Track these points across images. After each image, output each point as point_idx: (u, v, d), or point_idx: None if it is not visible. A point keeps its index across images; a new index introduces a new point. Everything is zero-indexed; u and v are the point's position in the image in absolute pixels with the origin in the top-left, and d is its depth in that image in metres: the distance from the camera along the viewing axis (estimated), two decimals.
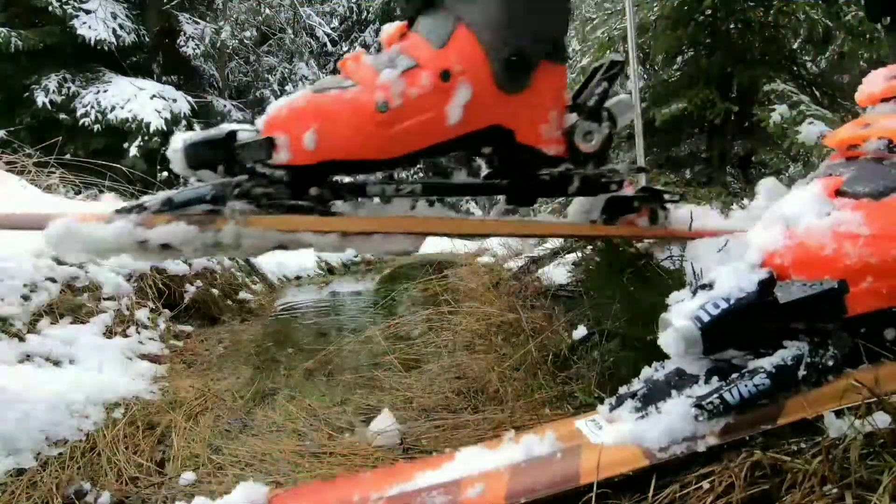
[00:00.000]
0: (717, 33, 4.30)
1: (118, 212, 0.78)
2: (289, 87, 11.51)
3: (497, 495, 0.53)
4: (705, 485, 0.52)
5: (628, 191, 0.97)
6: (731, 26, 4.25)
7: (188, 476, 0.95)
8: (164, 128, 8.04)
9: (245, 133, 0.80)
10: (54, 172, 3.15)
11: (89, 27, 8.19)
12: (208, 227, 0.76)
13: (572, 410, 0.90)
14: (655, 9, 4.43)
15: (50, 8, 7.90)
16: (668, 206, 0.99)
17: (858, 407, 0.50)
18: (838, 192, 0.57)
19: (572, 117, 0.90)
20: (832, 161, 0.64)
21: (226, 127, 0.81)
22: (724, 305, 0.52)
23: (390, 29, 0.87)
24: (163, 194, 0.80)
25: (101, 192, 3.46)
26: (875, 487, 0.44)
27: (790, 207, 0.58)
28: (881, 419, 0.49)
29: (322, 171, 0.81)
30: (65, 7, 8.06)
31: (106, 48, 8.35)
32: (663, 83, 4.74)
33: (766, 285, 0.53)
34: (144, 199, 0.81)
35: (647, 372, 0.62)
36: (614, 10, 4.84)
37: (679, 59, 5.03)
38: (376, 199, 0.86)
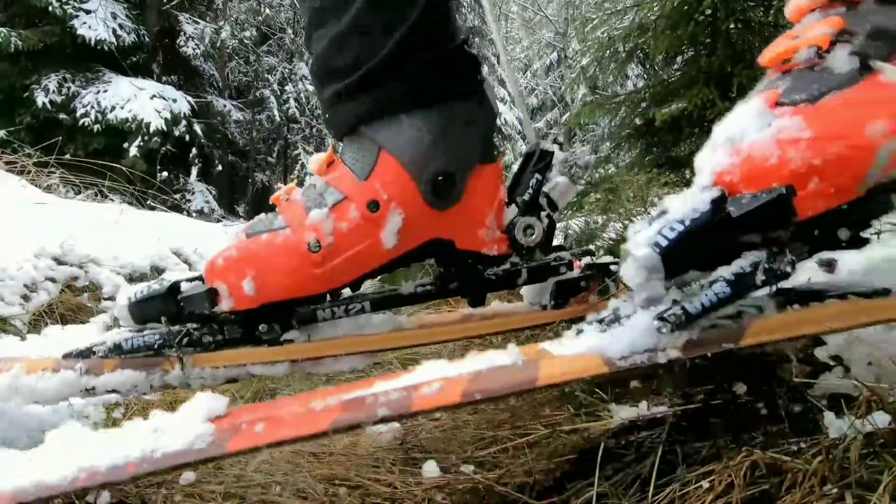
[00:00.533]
0: (717, 33, 4.30)
1: (65, 357, 0.80)
2: (289, 87, 11.51)
3: (453, 392, 0.54)
4: (705, 484, 0.52)
5: (577, 269, 0.95)
6: (732, 26, 4.26)
7: (188, 476, 0.95)
8: (164, 128, 8.05)
9: (188, 284, 0.82)
10: (54, 172, 3.15)
11: (89, 27, 8.20)
12: (155, 370, 0.78)
13: (573, 410, 0.90)
14: (655, 8, 4.44)
15: (50, 8, 7.91)
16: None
17: (859, 406, 0.50)
18: (777, 104, 0.58)
19: (512, 211, 0.89)
20: (769, 78, 0.65)
21: (168, 280, 0.83)
22: (679, 228, 0.54)
23: (318, 159, 0.86)
24: (112, 341, 0.81)
25: (101, 192, 3.46)
26: (875, 487, 0.44)
27: (733, 127, 0.59)
28: (881, 419, 0.49)
29: (268, 311, 0.82)
30: (65, 7, 8.07)
31: (106, 48, 8.35)
32: (663, 83, 4.75)
33: (719, 202, 0.55)
34: (93, 342, 0.81)
35: (614, 303, 0.62)
36: (614, 10, 4.84)
37: (679, 58, 5.04)
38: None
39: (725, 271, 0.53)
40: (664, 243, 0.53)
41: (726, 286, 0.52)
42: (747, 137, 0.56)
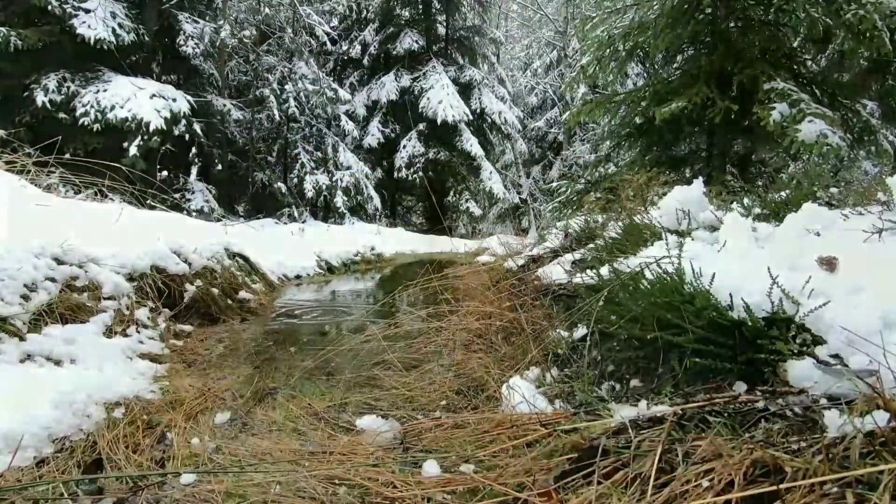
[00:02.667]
0: (717, 32, 4.29)
1: None
2: (288, 87, 11.49)
3: None
4: (704, 483, 0.52)
5: None
6: (731, 25, 4.25)
7: (188, 476, 0.95)
8: (164, 127, 8.03)
9: None
10: (54, 172, 3.15)
11: (89, 26, 8.17)
12: None
13: (572, 410, 0.90)
14: (655, 7, 4.43)
15: (49, 7, 7.89)
16: None
17: (859, 405, 0.50)
18: None
19: None
20: None
21: None
22: None
23: None
24: None
25: (101, 191, 3.45)
26: (875, 486, 0.44)
27: None
28: (881, 417, 0.49)
29: None
30: (64, 6, 8.05)
31: (105, 47, 8.33)
32: (663, 81, 4.74)
33: None
34: None
35: None
36: (614, 9, 4.83)
37: (679, 57, 5.02)
38: None
39: None
40: None
41: None
42: None
